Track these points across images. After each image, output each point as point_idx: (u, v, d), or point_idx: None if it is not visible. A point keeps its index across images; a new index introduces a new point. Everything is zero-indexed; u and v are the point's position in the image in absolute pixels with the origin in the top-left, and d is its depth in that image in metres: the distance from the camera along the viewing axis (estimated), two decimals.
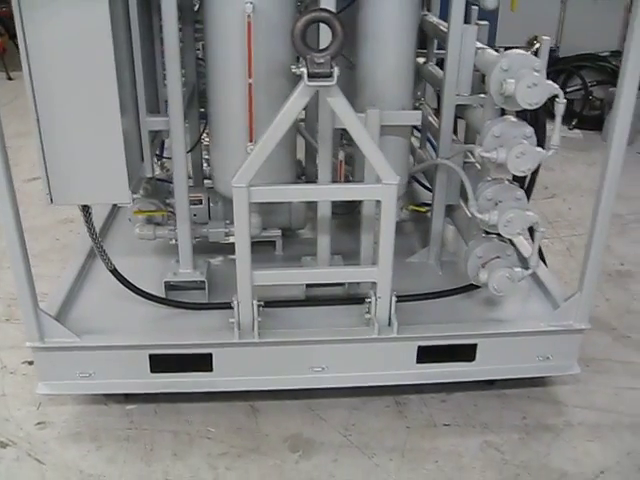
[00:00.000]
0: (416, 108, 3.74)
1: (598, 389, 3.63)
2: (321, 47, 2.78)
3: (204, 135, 3.93)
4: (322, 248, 3.41)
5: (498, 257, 3.32)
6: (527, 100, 2.85)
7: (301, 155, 3.98)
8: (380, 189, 2.98)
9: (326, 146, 3.16)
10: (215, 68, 3.23)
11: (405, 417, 3.40)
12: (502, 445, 3.24)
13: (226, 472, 3.07)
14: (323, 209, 3.31)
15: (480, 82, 3.42)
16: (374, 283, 3.19)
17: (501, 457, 3.18)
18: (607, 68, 7.84)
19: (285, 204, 3.85)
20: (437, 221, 3.77)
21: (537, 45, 3.09)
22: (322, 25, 2.84)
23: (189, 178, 3.93)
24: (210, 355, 3.21)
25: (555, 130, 3.01)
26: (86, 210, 3.11)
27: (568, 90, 8.04)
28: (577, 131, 8.02)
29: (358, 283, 3.51)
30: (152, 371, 3.23)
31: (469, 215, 3.34)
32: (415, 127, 4.46)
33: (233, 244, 3.07)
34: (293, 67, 2.77)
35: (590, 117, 7.99)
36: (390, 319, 3.23)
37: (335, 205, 3.45)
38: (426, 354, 3.30)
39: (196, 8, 3.77)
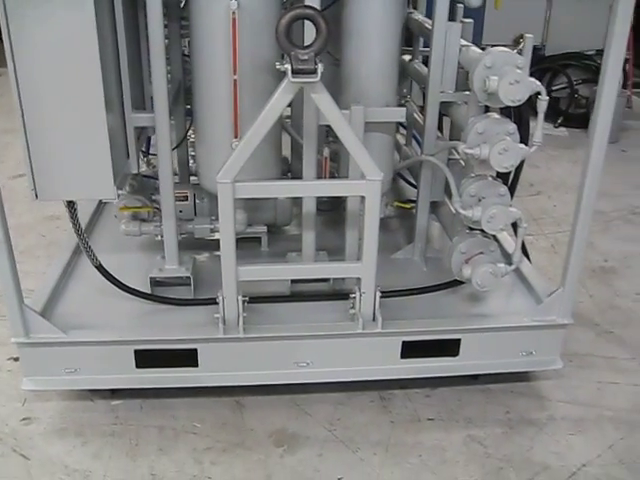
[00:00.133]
0: (401, 105, 3.76)
1: (581, 384, 3.67)
2: (305, 44, 2.80)
3: (191, 132, 3.94)
4: (307, 244, 3.43)
5: (482, 253, 3.35)
6: (510, 97, 2.87)
7: (287, 152, 4.01)
8: (364, 185, 2.99)
9: (311, 142, 3.18)
10: (200, 64, 3.24)
11: (389, 412, 3.42)
12: (485, 439, 3.27)
13: (211, 467, 3.09)
14: (308, 205, 3.33)
15: (464, 79, 3.44)
16: (358, 279, 3.21)
17: (484, 451, 3.21)
18: (592, 67, 7.89)
19: (271, 201, 3.86)
20: (422, 217, 3.79)
21: (523, 43, 3.12)
22: (307, 22, 2.86)
23: (175, 175, 3.93)
24: (195, 350, 3.23)
25: (537, 127, 3.04)
26: (71, 206, 3.11)
27: (554, 88, 8.13)
28: (563, 129, 8.08)
29: (343, 279, 3.53)
30: (137, 366, 3.23)
31: (453, 211, 3.37)
32: (401, 124, 4.51)
33: (219, 240, 3.08)
34: (277, 64, 2.78)
35: (576, 115, 8.05)
36: (374, 314, 3.25)
37: (320, 202, 3.47)
38: (410, 349, 3.32)
39: (182, 4, 3.78)
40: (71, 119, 2.80)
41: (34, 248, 4.92)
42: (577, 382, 3.67)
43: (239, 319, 3.17)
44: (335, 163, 3.64)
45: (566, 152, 7.26)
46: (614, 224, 5.64)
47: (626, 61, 8.18)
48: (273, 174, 3.46)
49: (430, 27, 3.41)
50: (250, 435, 3.26)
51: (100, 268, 3.34)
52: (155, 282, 3.50)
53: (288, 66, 2.68)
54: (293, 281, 3.48)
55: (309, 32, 2.85)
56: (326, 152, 3.45)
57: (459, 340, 3.35)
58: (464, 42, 3.44)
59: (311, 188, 3.22)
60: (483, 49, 3.24)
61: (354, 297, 3.24)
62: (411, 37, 4.25)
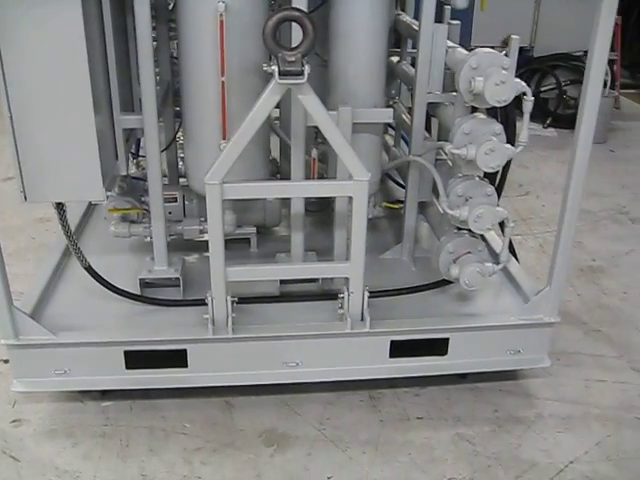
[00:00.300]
0: (389, 106, 3.78)
1: (568, 382, 3.70)
2: (293, 46, 2.81)
3: (179, 133, 3.95)
4: (295, 245, 3.45)
5: (469, 252, 3.37)
6: (495, 97, 2.90)
7: (276, 154, 4.02)
8: (351, 185, 3.01)
9: (299, 144, 3.20)
10: (188, 66, 3.26)
11: (379, 411, 3.44)
12: (474, 437, 3.30)
13: (201, 467, 3.10)
14: (296, 206, 3.35)
15: (452, 80, 3.46)
16: (347, 279, 3.23)
17: (473, 449, 3.23)
18: (581, 67, 7.89)
19: (260, 202, 3.87)
20: (410, 218, 3.81)
21: (509, 45, 3.15)
22: (294, 24, 2.88)
23: (164, 176, 3.95)
24: (185, 351, 3.24)
25: (523, 127, 3.07)
26: (60, 208, 3.12)
27: (543, 89, 8.19)
28: (551, 130, 8.13)
29: (332, 279, 3.55)
30: (127, 367, 3.24)
31: (441, 211, 3.39)
32: (390, 125, 4.53)
33: (208, 241, 3.09)
34: (265, 65, 2.80)
35: (564, 116, 8.08)
36: (363, 314, 3.27)
37: (309, 202, 3.49)
38: (399, 349, 3.34)
39: (170, 7, 3.79)
40: (59, 121, 2.81)
41: (24, 250, 4.92)
42: (565, 380, 3.70)
43: (228, 319, 3.18)
44: (324, 164, 3.66)
45: (555, 152, 7.30)
46: (602, 224, 5.67)
47: (614, 62, 8.26)
48: (262, 175, 3.48)
49: (417, 29, 3.43)
50: (240, 435, 3.28)
51: (89, 270, 3.35)
52: (144, 283, 3.51)
53: (275, 68, 2.70)
54: (282, 281, 3.50)
55: (296, 34, 2.87)
56: (314, 153, 3.46)
57: (447, 339, 3.37)
58: (451, 43, 3.46)
59: (299, 189, 3.24)
60: (471, 50, 3.27)
61: (342, 297, 3.26)
62: (399, 39, 4.28)
